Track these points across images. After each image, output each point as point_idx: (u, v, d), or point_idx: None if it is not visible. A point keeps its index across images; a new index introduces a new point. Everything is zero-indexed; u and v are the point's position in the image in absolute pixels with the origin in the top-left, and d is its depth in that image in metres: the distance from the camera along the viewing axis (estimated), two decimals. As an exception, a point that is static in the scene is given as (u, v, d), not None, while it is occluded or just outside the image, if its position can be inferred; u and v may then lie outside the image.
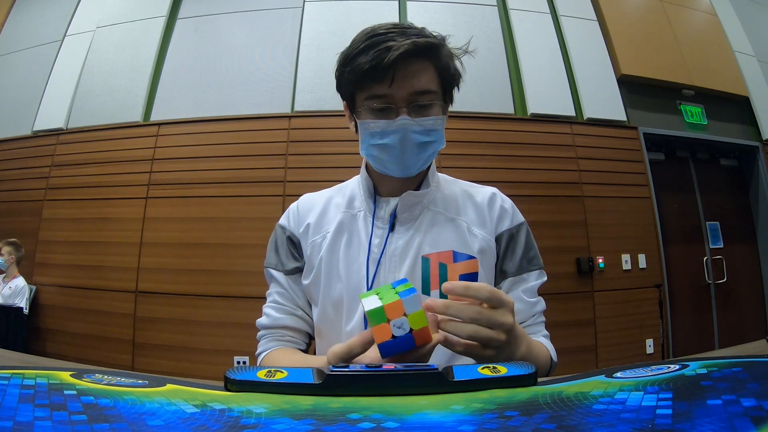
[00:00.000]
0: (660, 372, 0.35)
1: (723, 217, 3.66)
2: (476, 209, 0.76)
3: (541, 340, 0.71)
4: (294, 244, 0.78)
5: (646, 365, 0.38)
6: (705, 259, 3.52)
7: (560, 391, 0.33)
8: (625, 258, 3.12)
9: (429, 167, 0.75)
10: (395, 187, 0.74)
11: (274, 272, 0.77)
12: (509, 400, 0.32)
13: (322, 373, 0.37)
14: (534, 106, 3.24)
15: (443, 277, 0.70)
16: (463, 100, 3.18)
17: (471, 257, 0.71)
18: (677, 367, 0.36)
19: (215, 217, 2.99)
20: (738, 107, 3.81)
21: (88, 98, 3.45)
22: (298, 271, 0.76)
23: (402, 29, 0.66)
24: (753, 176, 3.77)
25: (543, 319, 0.76)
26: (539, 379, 0.38)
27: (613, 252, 3.11)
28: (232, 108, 3.19)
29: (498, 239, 0.75)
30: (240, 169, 3.04)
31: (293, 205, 0.81)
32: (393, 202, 0.73)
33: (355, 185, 0.80)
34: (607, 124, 3.33)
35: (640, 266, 3.14)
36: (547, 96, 3.27)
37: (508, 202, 0.79)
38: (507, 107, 3.23)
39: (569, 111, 3.29)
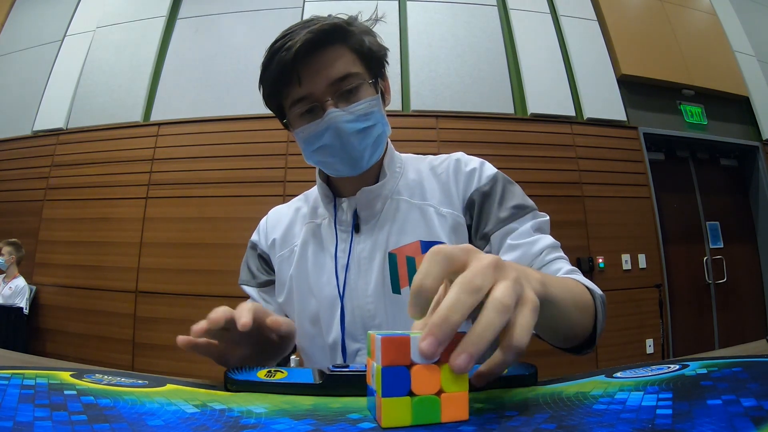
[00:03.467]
0: (660, 372, 0.35)
1: (723, 217, 3.66)
2: (441, 186, 0.69)
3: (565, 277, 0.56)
4: (264, 261, 0.77)
5: (646, 365, 0.38)
6: (705, 259, 3.52)
7: (560, 391, 0.33)
8: (625, 258, 3.12)
9: (384, 155, 0.70)
10: (354, 185, 0.69)
11: (246, 288, 0.77)
12: (509, 400, 0.32)
13: (323, 373, 0.37)
14: (534, 106, 3.23)
15: (412, 272, 0.64)
16: (463, 100, 3.18)
17: (440, 243, 0.64)
18: (677, 367, 0.35)
19: (215, 217, 2.99)
20: (738, 107, 3.81)
21: (88, 98, 3.45)
22: (271, 283, 0.75)
23: (304, 24, 0.61)
24: (753, 176, 3.77)
25: (557, 254, 0.61)
26: (540, 379, 0.38)
27: (613, 252, 3.11)
28: (232, 108, 3.19)
29: (469, 205, 0.67)
30: (240, 169, 3.04)
31: (263, 221, 0.80)
32: (352, 202, 0.69)
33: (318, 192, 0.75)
34: (607, 124, 3.33)
35: (640, 266, 3.14)
36: (547, 96, 3.27)
37: (475, 162, 0.70)
38: (507, 107, 3.23)
39: (569, 111, 3.29)
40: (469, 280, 0.28)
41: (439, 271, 0.29)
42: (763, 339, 0.47)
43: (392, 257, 0.66)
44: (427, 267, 0.29)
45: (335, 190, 0.72)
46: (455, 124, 3.11)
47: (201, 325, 0.45)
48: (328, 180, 0.72)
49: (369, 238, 0.68)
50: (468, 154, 0.74)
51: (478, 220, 0.66)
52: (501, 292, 0.28)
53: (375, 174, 0.70)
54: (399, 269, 0.65)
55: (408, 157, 0.76)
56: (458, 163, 0.71)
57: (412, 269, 0.64)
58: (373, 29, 0.67)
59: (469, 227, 0.67)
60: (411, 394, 0.27)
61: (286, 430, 0.26)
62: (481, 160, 0.71)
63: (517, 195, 0.66)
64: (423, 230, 0.66)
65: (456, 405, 0.27)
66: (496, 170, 0.69)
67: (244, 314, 0.45)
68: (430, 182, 0.70)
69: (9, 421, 0.24)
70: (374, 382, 0.28)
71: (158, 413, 0.28)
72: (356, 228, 0.69)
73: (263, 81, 0.64)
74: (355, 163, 0.64)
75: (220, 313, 0.45)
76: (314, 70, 0.60)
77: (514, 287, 0.29)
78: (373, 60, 0.66)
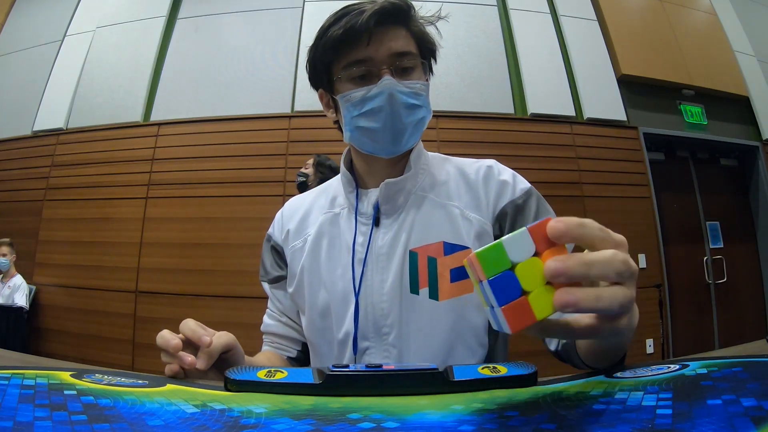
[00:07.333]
0: (660, 372, 0.35)
1: (723, 217, 3.66)
2: (470, 190, 0.68)
3: None
4: (278, 253, 0.75)
5: (646, 365, 0.38)
6: (705, 259, 3.52)
7: (560, 391, 0.33)
8: (625, 258, 3.12)
9: (413, 148, 0.69)
10: (379, 175, 0.67)
11: (262, 283, 0.77)
12: (509, 400, 0.32)
13: (323, 373, 0.37)
14: (534, 106, 3.23)
15: (433, 273, 0.63)
16: (463, 100, 3.18)
17: (464, 248, 0.63)
18: (677, 367, 0.36)
19: (215, 217, 2.99)
20: (738, 107, 3.80)
21: (88, 98, 3.45)
22: (282, 279, 0.74)
23: (372, 1, 0.64)
24: (753, 176, 3.77)
25: None
26: (540, 379, 0.38)
27: (613, 252, 3.11)
28: (232, 108, 3.19)
29: (500, 217, 0.66)
30: (240, 169, 3.04)
31: (279, 213, 0.78)
32: (374, 193, 0.67)
33: (338, 182, 0.74)
34: (607, 124, 3.33)
35: (640, 266, 3.14)
36: (547, 96, 3.27)
37: (508, 172, 0.70)
38: (507, 107, 3.23)
39: (569, 111, 3.29)
40: (628, 263, 0.30)
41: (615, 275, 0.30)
42: (763, 339, 0.47)
43: (413, 256, 0.64)
44: (622, 270, 0.30)
45: (358, 181, 0.71)
46: (455, 124, 3.11)
47: (186, 357, 0.46)
48: (351, 168, 0.72)
49: (389, 233, 0.66)
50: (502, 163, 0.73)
51: (510, 232, 0.65)
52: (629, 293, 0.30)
53: (402, 167, 0.69)
54: (419, 269, 0.63)
55: (434, 156, 0.75)
56: (490, 170, 0.70)
57: (433, 270, 0.63)
58: (435, 25, 0.70)
59: (497, 238, 0.65)
60: (523, 293, 0.28)
61: (286, 430, 0.26)
62: (513, 171, 0.70)
63: (551, 213, 0.67)
64: (447, 231, 0.65)
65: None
66: (529, 184, 0.69)
67: (202, 333, 0.48)
68: (458, 184, 0.69)
69: (9, 421, 0.24)
70: (488, 298, 0.29)
71: (158, 413, 0.28)
72: (376, 221, 0.67)
73: (323, 39, 0.64)
74: (396, 136, 0.63)
75: (174, 338, 0.47)
76: (380, 38, 0.62)
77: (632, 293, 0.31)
78: (428, 50, 0.69)
